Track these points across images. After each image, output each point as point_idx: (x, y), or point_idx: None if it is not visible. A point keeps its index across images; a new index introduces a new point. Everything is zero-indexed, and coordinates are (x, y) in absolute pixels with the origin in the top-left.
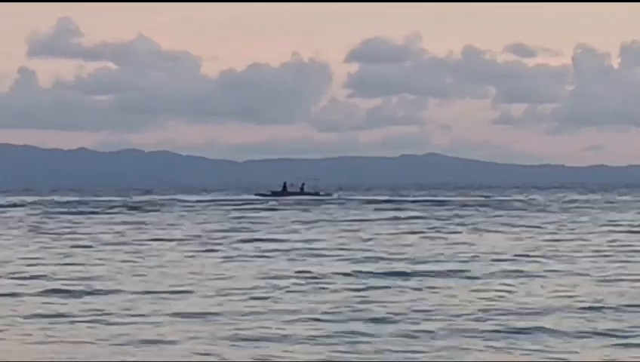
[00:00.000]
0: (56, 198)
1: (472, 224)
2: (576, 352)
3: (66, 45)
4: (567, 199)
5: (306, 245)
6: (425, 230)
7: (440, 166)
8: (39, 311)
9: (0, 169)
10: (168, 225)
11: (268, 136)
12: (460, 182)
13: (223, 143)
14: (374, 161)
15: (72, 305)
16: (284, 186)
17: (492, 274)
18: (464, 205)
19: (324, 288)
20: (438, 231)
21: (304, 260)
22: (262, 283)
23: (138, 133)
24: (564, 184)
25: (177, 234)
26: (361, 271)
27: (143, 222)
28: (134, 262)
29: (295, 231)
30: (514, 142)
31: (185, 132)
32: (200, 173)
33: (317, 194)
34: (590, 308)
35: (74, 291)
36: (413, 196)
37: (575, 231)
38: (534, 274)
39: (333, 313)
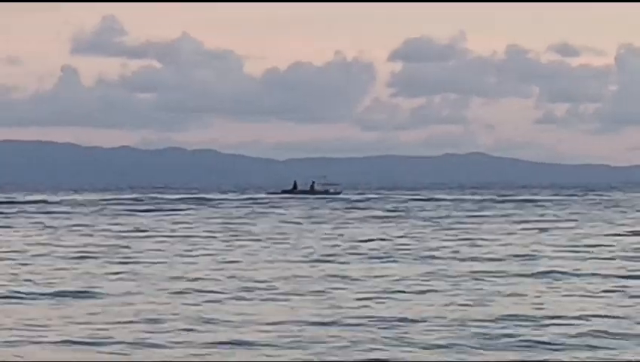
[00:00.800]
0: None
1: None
2: None
3: (110, 43)
4: None
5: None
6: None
7: (482, 165)
8: None
9: (42, 167)
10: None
11: (310, 134)
12: (503, 182)
13: (265, 142)
14: (416, 160)
15: None
16: (295, 185)
17: None
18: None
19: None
20: None
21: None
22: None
23: (181, 131)
24: (610, 184)
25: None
26: None
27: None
28: None
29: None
30: (557, 142)
31: (228, 130)
32: (241, 172)
33: (326, 192)
34: None
35: None
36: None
37: None
38: None
39: None
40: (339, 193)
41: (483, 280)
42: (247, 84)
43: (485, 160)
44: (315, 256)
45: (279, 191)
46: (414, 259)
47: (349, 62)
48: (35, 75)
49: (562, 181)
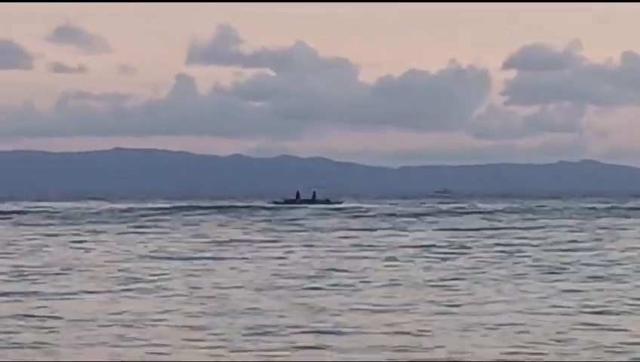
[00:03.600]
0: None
1: None
2: None
3: (226, 52)
4: None
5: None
6: None
7: (596, 173)
8: None
9: (156, 174)
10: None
11: (424, 142)
12: (617, 191)
13: (379, 150)
14: (530, 168)
15: None
16: (297, 194)
17: None
18: None
19: None
20: None
21: None
22: None
23: (295, 139)
24: None
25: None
26: None
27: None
28: None
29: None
30: None
31: (342, 139)
32: (354, 180)
33: (327, 201)
34: None
35: None
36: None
37: None
38: None
39: None
40: (340, 203)
41: None
42: (361, 92)
43: (598, 168)
44: None
45: (282, 200)
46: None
47: (463, 70)
48: (150, 83)
49: None
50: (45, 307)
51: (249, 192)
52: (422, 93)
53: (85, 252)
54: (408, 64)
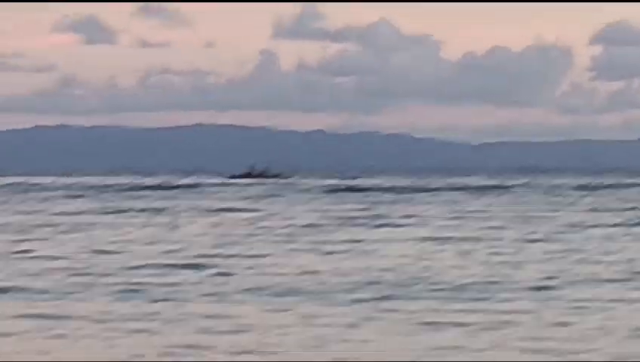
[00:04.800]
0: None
1: None
2: None
3: (310, 28)
4: None
5: None
6: None
7: None
8: None
9: (236, 150)
10: None
11: (507, 119)
12: None
13: (460, 126)
14: (613, 144)
15: None
16: (251, 169)
17: None
18: None
19: None
20: None
21: None
22: None
23: (377, 115)
24: None
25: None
26: None
27: None
28: None
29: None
30: None
31: (424, 115)
32: (435, 156)
33: (277, 176)
34: None
35: None
36: None
37: None
38: None
39: None
40: (288, 177)
41: None
42: (444, 69)
43: None
44: None
45: (237, 174)
46: None
47: (547, 47)
48: (233, 59)
49: None
50: None
51: (325, 168)
52: (505, 70)
53: None
54: (492, 41)
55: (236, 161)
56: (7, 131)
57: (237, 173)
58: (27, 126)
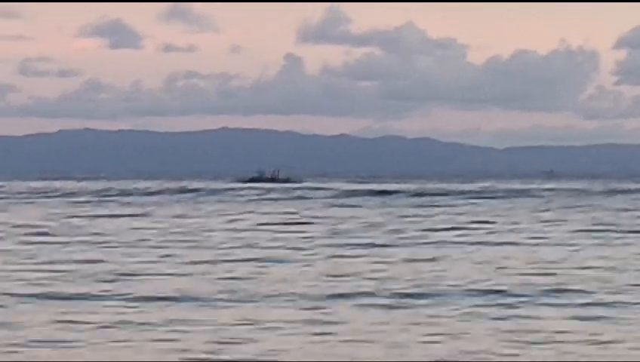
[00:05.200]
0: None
1: None
2: None
3: (335, 32)
4: None
5: None
6: None
7: None
8: None
9: (261, 154)
10: None
11: (531, 123)
12: None
13: (485, 130)
14: (638, 148)
15: None
16: (261, 174)
17: None
18: None
19: None
20: None
21: None
22: None
23: (401, 119)
24: None
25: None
26: None
27: None
28: None
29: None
30: None
31: (448, 119)
32: (459, 160)
33: (287, 180)
34: None
35: None
36: None
37: None
38: None
39: None
40: (299, 182)
41: None
42: (469, 73)
43: None
44: None
45: (246, 178)
46: None
47: (573, 51)
48: (258, 63)
49: None
50: None
51: (351, 172)
52: (530, 74)
53: None
54: (518, 45)
55: (262, 164)
56: (33, 135)
57: (245, 178)
58: (53, 130)
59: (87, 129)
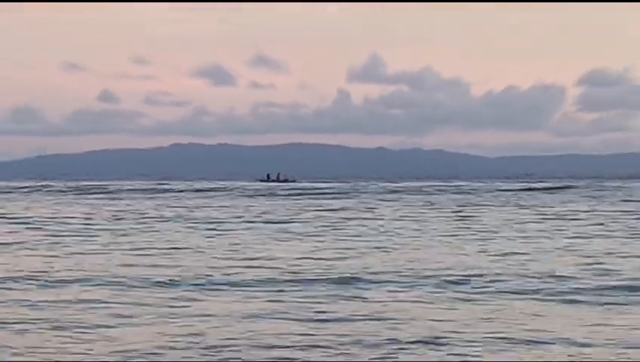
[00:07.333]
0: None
1: None
2: None
3: (374, 73)
4: None
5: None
6: None
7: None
8: None
9: (319, 163)
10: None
11: (516, 139)
12: None
13: (482, 145)
14: (592, 158)
15: None
16: (268, 176)
17: None
18: None
19: None
20: None
21: None
22: None
23: (421, 136)
24: None
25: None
26: None
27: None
28: None
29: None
30: None
31: (455, 136)
32: (462, 166)
33: (286, 181)
34: None
35: None
36: None
37: None
38: None
39: None
40: (294, 181)
41: None
42: (471, 102)
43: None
44: None
45: (257, 179)
46: None
47: (547, 85)
48: (319, 95)
49: None
50: None
51: (387, 176)
52: (516, 104)
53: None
54: (507, 81)
55: (319, 170)
56: (154, 148)
57: (260, 178)
58: (167, 144)
59: (194, 143)
